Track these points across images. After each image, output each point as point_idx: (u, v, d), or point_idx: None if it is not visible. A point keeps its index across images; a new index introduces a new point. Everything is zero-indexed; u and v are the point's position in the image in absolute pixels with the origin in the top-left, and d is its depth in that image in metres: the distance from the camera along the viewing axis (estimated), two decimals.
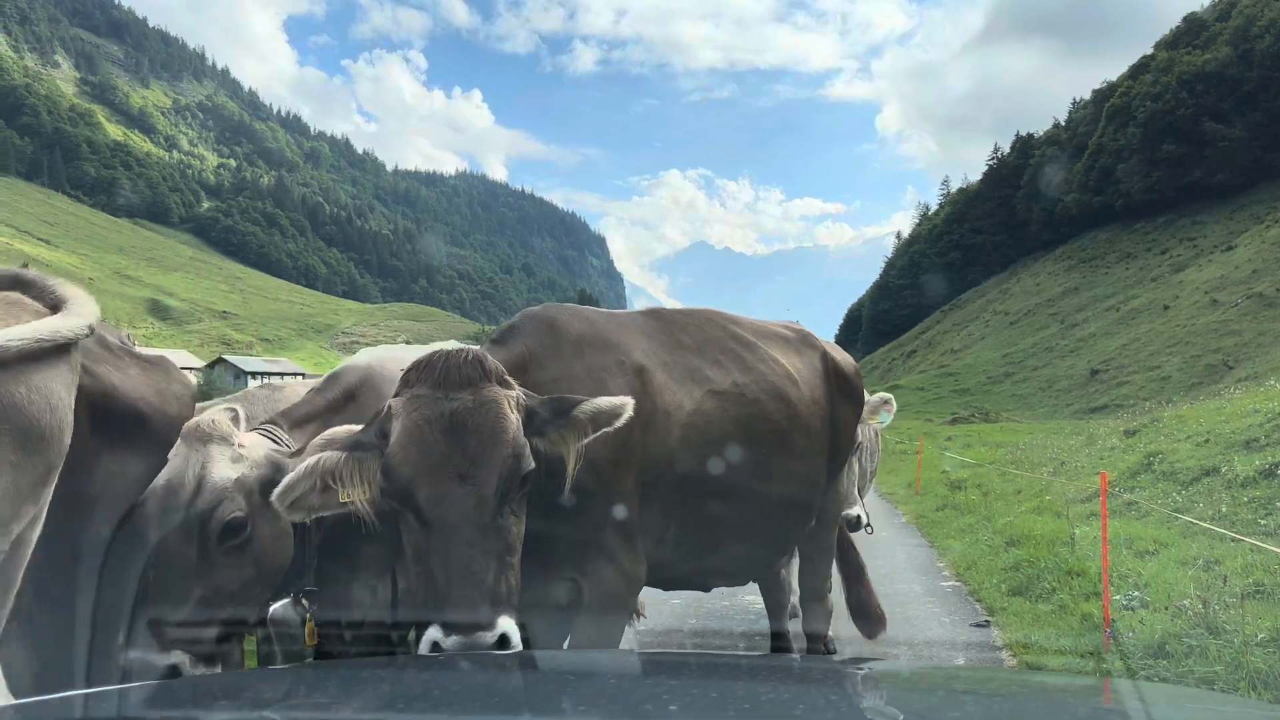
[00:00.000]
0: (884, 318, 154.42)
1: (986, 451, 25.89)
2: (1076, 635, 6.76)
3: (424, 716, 1.58)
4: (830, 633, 7.36)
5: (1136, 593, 7.44)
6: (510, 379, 2.82)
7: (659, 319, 3.89)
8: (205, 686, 2.07)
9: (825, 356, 4.48)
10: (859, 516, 6.19)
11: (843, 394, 4.46)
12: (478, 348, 2.91)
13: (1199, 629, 6.01)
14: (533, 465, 2.69)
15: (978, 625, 7.63)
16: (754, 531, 3.99)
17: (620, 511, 3.28)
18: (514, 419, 2.70)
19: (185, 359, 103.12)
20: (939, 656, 6.88)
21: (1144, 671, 5.73)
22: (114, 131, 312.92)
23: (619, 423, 2.84)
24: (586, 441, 2.88)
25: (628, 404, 2.85)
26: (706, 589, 4.53)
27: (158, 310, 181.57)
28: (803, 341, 4.45)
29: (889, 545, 12.42)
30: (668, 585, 3.95)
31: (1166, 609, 6.79)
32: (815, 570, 4.91)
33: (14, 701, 2.21)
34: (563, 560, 3.24)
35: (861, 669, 2.05)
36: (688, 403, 3.57)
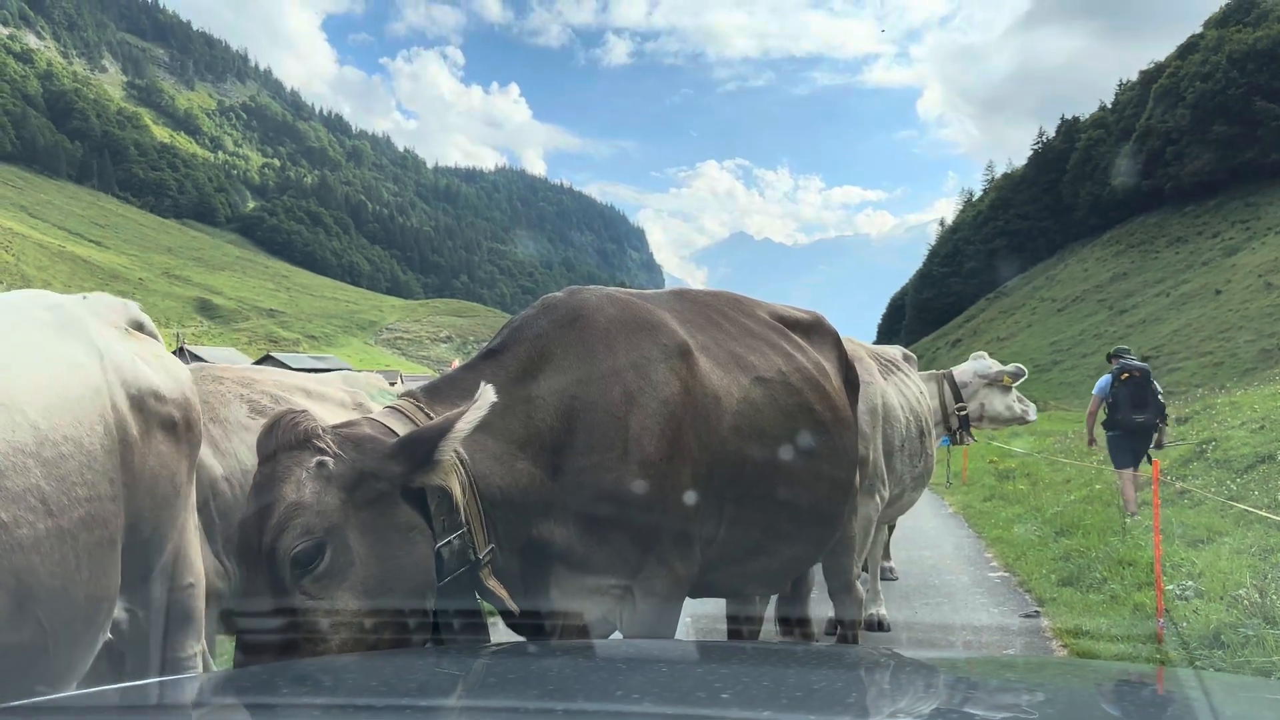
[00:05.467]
0: (928, 306, 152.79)
1: (1035, 440, 25.55)
2: (1129, 625, 6.67)
3: (478, 702, 1.58)
4: (884, 613, 7.37)
5: (1190, 582, 7.32)
6: (325, 440, 2.47)
7: (693, 301, 3.63)
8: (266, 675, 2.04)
9: (839, 343, 4.29)
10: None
11: (850, 381, 4.28)
12: (302, 411, 2.57)
13: (1255, 618, 5.91)
14: (306, 544, 2.34)
15: (1028, 616, 7.54)
16: (800, 533, 3.74)
17: (677, 510, 3.02)
18: (296, 494, 2.38)
19: (233, 356, 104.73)
20: (989, 646, 6.82)
21: (1199, 662, 5.64)
22: (161, 134, 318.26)
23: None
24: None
25: (487, 393, 2.51)
26: (742, 596, 4.29)
27: (206, 309, 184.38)
28: (821, 328, 4.23)
29: (936, 536, 12.33)
30: (703, 592, 3.59)
31: (1222, 599, 6.68)
32: (840, 563, 4.80)
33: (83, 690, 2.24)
34: (614, 564, 2.99)
35: (914, 657, 2.03)
36: (736, 390, 3.30)
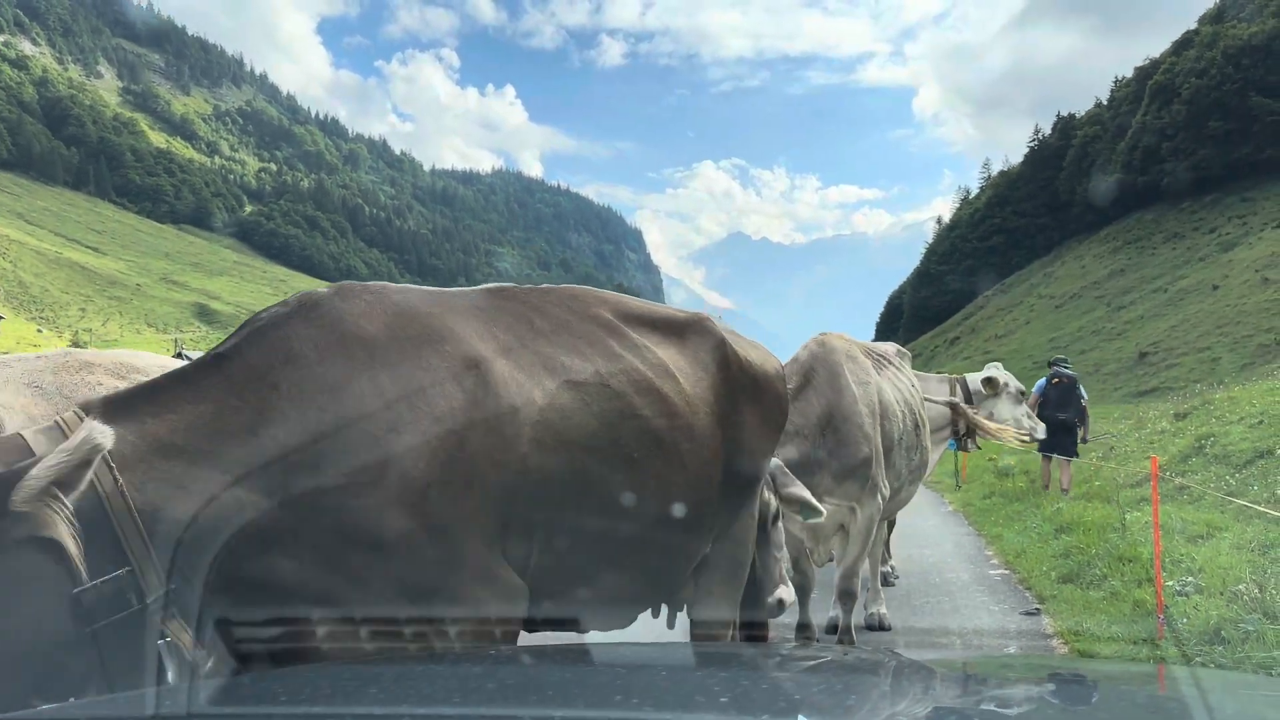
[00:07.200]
0: (926, 305, 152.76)
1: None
2: (1129, 622, 6.68)
3: (477, 710, 1.56)
4: (884, 612, 7.42)
5: (1190, 578, 7.33)
6: None
7: (507, 298, 3.25)
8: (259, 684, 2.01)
9: (721, 346, 3.74)
10: (780, 600, 4.39)
11: (745, 393, 3.77)
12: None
13: (1255, 614, 5.93)
14: None
15: (1028, 613, 7.56)
16: (631, 557, 3.33)
17: (462, 545, 2.68)
18: None
19: None
20: (989, 645, 6.83)
21: (1199, 658, 5.65)
22: (157, 139, 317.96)
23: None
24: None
25: (88, 436, 2.12)
26: (580, 631, 3.73)
27: (204, 314, 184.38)
28: (693, 329, 3.72)
29: (936, 534, 12.35)
30: (531, 626, 3.15)
31: (1221, 594, 6.70)
32: (762, 559, 4.19)
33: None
34: (386, 604, 2.61)
35: (913, 659, 2.04)
36: (539, 396, 2.94)
